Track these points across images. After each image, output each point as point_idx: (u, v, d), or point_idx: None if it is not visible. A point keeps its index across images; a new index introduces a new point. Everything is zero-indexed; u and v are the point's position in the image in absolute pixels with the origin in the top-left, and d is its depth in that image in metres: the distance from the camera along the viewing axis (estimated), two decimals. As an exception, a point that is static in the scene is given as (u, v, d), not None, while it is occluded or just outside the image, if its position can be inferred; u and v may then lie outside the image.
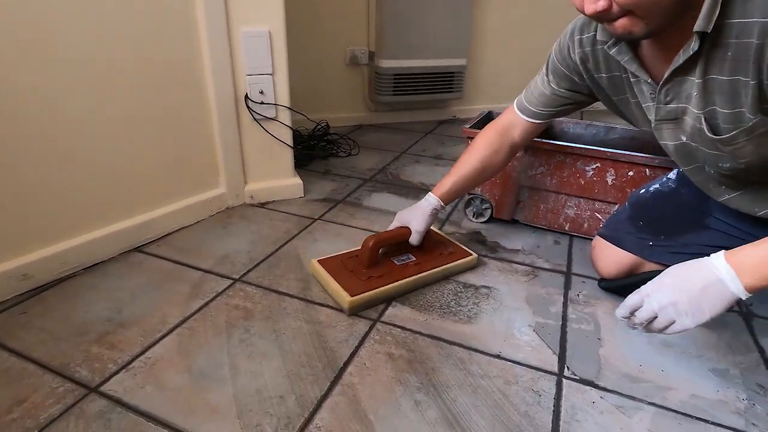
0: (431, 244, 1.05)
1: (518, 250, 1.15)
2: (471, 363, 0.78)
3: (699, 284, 0.61)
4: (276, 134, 1.32)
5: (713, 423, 0.68)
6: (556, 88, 0.89)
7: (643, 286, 0.67)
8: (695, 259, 0.64)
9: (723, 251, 0.61)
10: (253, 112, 1.26)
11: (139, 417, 0.66)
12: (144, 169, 1.10)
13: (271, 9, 1.19)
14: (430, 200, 1.00)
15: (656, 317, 0.65)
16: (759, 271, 0.58)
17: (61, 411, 0.67)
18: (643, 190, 0.97)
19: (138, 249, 1.10)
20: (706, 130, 0.67)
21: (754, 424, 0.68)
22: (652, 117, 0.75)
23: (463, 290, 0.98)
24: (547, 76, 0.90)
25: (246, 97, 1.24)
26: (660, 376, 0.76)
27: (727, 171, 0.72)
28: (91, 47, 0.94)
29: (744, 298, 0.58)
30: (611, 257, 0.96)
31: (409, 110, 2.32)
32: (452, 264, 1.02)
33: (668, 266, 0.88)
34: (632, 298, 0.67)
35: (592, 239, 1.18)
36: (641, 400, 0.72)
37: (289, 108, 1.31)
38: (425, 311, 0.91)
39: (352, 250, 1.03)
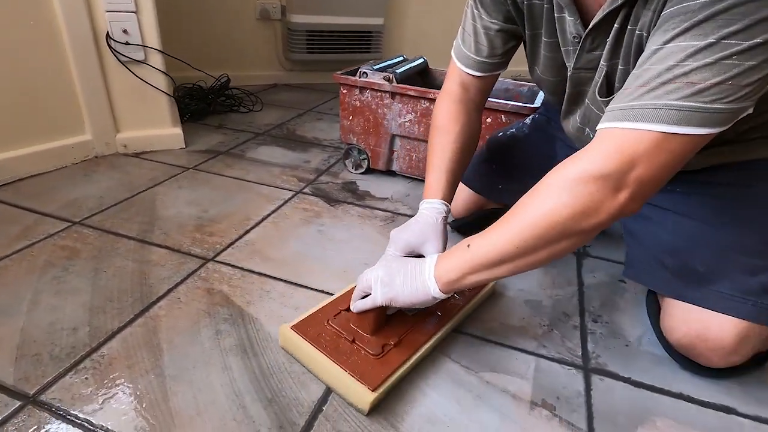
0: None
1: (386, 198, 1.15)
2: (290, 298, 0.78)
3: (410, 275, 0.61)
4: (147, 79, 1.25)
5: (507, 345, 0.71)
6: (489, 21, 0.70)
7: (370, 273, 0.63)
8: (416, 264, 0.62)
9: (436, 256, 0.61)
10: (116, 53, 1.18)
11: None
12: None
13: (128, -61, 1.12)
14: (438, 207, 0.73)
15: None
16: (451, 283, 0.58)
17: None
18: (501, 134, 0.98)
19: (-23, 193, 1.03)
20: (599, 86, 0.60)
21: (544, 345, 0.71)
22: (570, 64, 0.63)
23: (317, 234, 0.97)
24: (477, 9, 0.70)
25: (108, 36, 1.17)
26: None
27: None
28: None
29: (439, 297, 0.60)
30: (460, 198, 0.97)
31: (326, 71, 2.26)
32: (476, 299, 0.77)
33: (504, 206, 0.91)
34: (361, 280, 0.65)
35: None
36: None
37: (160, 51, 1.24)
38: (273, 258, 0.89)
39: (330, 300, 0.72)
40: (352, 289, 0.68)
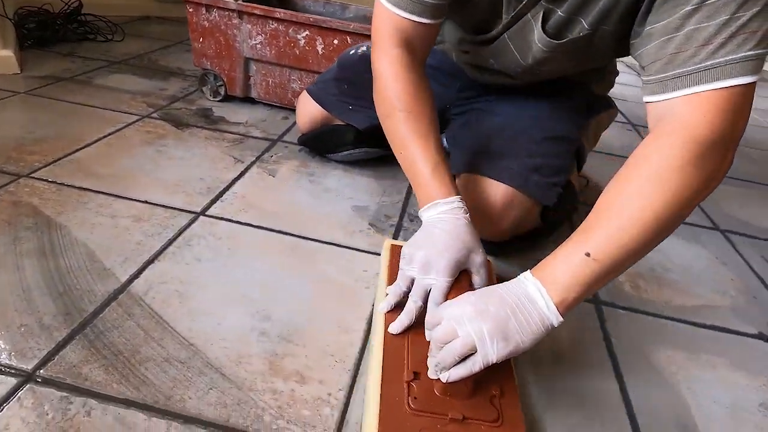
0: None
1: (241, 123, 1.14)
2: (108, 207, 0.76)
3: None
4: (-40, -11, 1.10)
5: (315, 239, 0.76)
6: None
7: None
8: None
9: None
10: None
11: None
12: None
13: None
14: (460, 205, 0.59)
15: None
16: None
17: None
18: (352, 51, 0.98)
19: None
20: (536, 29, 0.62)
21: (355, 232, 0.78)
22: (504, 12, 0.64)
23: (154, 153, 0.94)
24: None
25: None
26: (300, 211, 0.82)
27: (516, 76, 0.74)
28: None
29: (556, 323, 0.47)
30: (311, 112, 0.96)
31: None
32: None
33: (360, 128, 0.94)
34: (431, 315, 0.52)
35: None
36: (263, 228, 0.77)
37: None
38: (100, 174, 0.86)
39: (374, 382, 0.50)
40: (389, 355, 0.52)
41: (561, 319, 0.46)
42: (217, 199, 0.82)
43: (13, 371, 0.49)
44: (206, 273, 0.66)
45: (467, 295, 0.49)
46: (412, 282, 0.56)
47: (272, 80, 1.18)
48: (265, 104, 1.25)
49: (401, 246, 0.61)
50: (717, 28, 0.45)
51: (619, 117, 1.64)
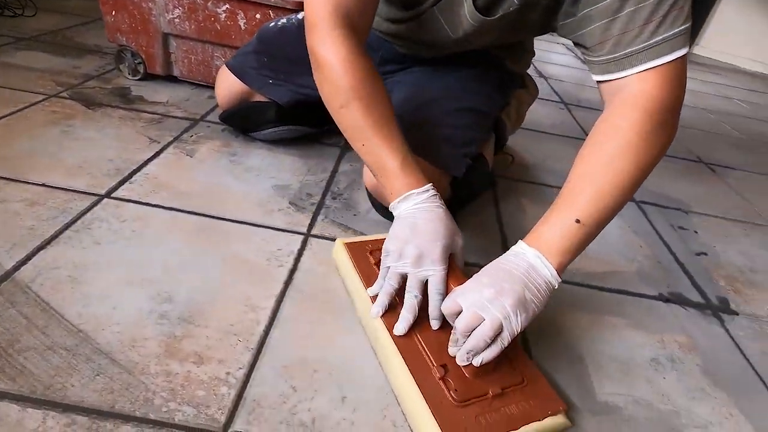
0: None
1: (161, 102, 1.08)
2: (1, 191, 0.71)
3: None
4: None
5: (230, 219, 0.74)
6: None
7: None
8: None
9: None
10: None
11: None
12: None
13: None
14: (434, 191, 0.59)
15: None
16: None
17: None
18: (272, 24, 0.94)
19: None
20: (466, 4, 0.62)
21: (274, 211, 0.76)
22: None
23: (59, 134, 0.88)
24: None
25: None
26: (218, 191, 0.79)
27: (446, 47, 0.73)
28: None
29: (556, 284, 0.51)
30: (230, 87, 0.93)
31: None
32: None
33: (282, 103, 0.91)
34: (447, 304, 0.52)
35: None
36: (174, 209, 0.73)
37: None
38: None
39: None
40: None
41: (560, 280, 0.51)
42: (126, 181, 0.78)
43: None
44: (105, 256, 0.62)
45: (477, 279, 0.50)
46: (403, 278, 0.55)
47: (195, 57, 1.12)
48: (189, 83, 1.19)
49: (362, 243, 0.63)
50: (653, 8, 0.51)
51: (552, 96, 1.69)
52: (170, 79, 1.18)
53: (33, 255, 0.60)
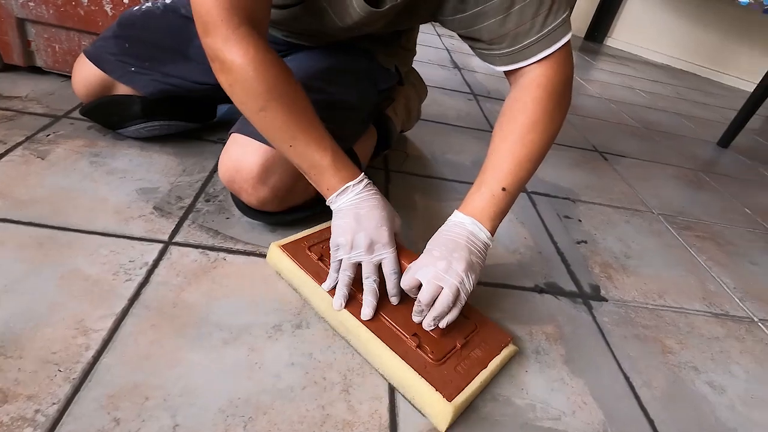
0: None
1: (18, 97, 0.96)
2: None
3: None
4: None
5: (76, 229, 0.67)
6: None
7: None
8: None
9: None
10: None
11: None
12: None
13: None
14: (365, 181, 0.62)
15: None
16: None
17: None
18: (136, 8, 0.85)
19: None
20: None
21: (133, 218, 0.70)
22: None
23: None
24: None
25: None
26: (67, 198, 0.71)
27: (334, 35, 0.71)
28: None
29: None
30: (88, 77, 0.84)
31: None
32: None
33: (144, 95, 0.83)
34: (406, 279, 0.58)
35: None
36: (5, 219, 0.65)
37: None
38: None
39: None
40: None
41: (493, 239, 0.61)
42: (-47, 189, 0.68)
43: None
44: None
45: (429, 254, 0.58)
46: (358, 266, 0.60)
47: (59, 46, 1.01)
48: (57, 74, 1.07)
49: (296, 242, 0.67)
50: (539, 2, 0.58)
51: (462, 87, 1.70)
52: (34, 70, 1.06)
53: None
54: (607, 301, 0.78)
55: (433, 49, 2.17)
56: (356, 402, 0.52)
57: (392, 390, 0.55)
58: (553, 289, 0.77)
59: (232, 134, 0.70)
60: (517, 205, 0.99)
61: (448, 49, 2.22)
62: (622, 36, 3.61)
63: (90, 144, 0.86)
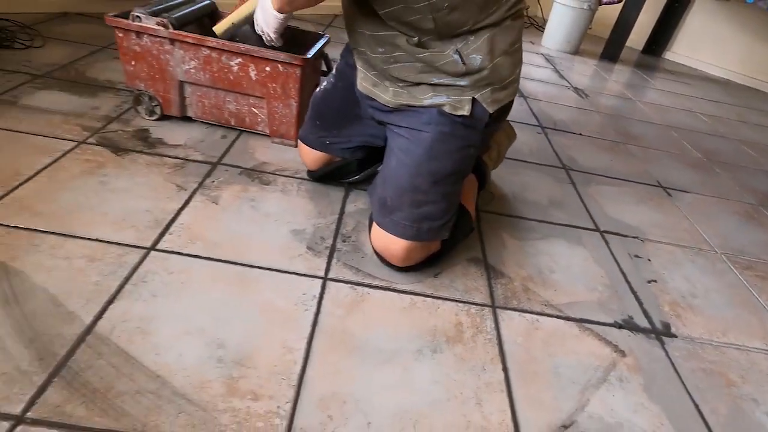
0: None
1: (180, 145, 1.19)
2: (61, 248, 0.82)
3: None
4: None
5: (259, 266, 0.87)
6: None
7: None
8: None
9: None
10: None
11: None
12: None
13: None
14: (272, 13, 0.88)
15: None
16: None
17: None
18: (318, 90, 1.08)
19: None
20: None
21: (295, 257, 0.90)
22: None
23: (97, 185, 0.99)
24: None
25: None
26: (244, 239, 0.92)
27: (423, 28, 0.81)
28: None
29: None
30: (307, 155, 1.09)
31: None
32: None
33: (345, 159, 1.08)
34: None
35: (256, 133, 1.30)
36: (211, 259, 0.87)
37: None
38: (43, 212, 0.90)
39: None
40: None
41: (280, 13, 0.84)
42: (165, 232, 0.90)
43: (3, 416, 0.57)
44: (163, 308, 0.75)
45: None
46: None
47: (208, 101, 1.23)
48: (202, 123, 1.30)
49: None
50: None
51: (530, 119, 1.84)
52: (185, 119, 1.29)
53: (105, 309, 0.73)
54: (677, 337, 0.92)
55: (497, 74, 2.31)
56: (488, 413, 0.70)
57: (512, 403, 0.72)
58: (630, 326, 0.92)
59: (374, 222, 0.92)
60: (592, 245, 1.14)
61: (510, 74, 2.35)
62: (681, 50, 3.59)
63: (244, 189, 1.08)
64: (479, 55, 0.80)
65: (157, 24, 1.10)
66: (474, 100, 0.83)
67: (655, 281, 1.06)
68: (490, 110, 0.85)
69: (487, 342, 0.82)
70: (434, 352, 0.78)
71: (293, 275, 0.87)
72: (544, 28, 3.22)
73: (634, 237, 1.21)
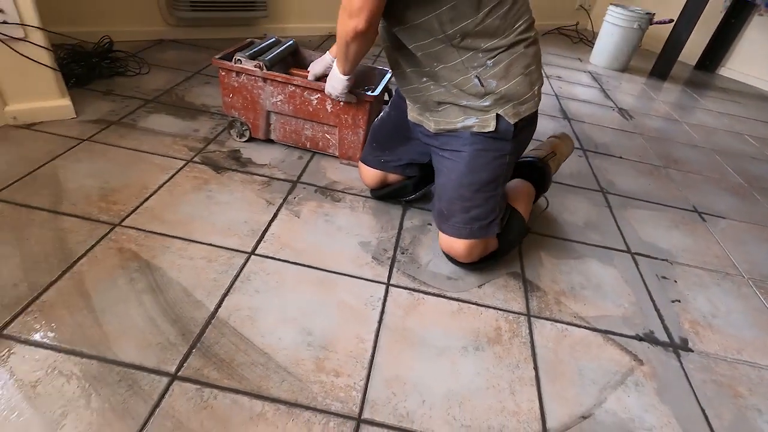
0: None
1: (265, 164, 1.42)
2: (186, 250, 1.06)
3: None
4: (30, 54, 1.33)
5: (335, 272, 1.07)
6: None
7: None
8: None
9: None
10: (-5, 33, 1.26)
11: None
12: None
13: None
14: (328, 59, 1.31)
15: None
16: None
17: None
18: (376, 119, 1.30)
19: None
20: None
21: (363, 265, 1.09)
22: None
23: (205, 198, 1.23)
24: None
25: (-16, 16, 1.23)
26: (321, 248, 1.13)
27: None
28: None
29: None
30: (366, 173, 1.30)
31: (215, 26, 2.34)
32: None
33: (403, 177, 1.28)
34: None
35: (327, 155, 1.51)
36: (298, 263, 1.08)
37: (41, 29, 1.32)
38: (169, 220, 1.14)
39: None
40: None
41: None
42: (261, 240, 1.12)
43: (163, 373, 0.80)
44: (264, 302, 0.97)
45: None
46: None
47: (289, 127, 1.46)
48: (282, 145, 1.52)
49: None
50: None
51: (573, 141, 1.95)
52: (268, 141, 1.52)
53: (222, 300, 0.95)
54: (693, 351, 1.04)
55: (543, 95, 2.42)
56: (519, 401, 0.87)
57: (540, 395, 0.88)
58: (650, 339, 1.05)
59: (439, 231, 1.12)
60: (622, 265, 1.27)
61: (557, 95, 2.46)
62: (736, 66, 3.54)
63: (320, 205, 1.29)
64: (495, 79, 0.99)
65: (254, 66, 1.33)
66: (498, 116, 1.01)
67: (678, 301, 1.18)
68: (513, 122, 1.01)
69: (521, 344, 0.98)
70: (477, 350, 0.95)
71: (362, 280, 1.07)
72: (593, 43, 3.28)
73: (663, 259, 1.33)
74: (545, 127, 2.02)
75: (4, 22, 1.26)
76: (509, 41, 0.96)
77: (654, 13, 3.03)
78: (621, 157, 1.89)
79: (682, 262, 1.33)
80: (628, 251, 1.33)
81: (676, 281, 1.25)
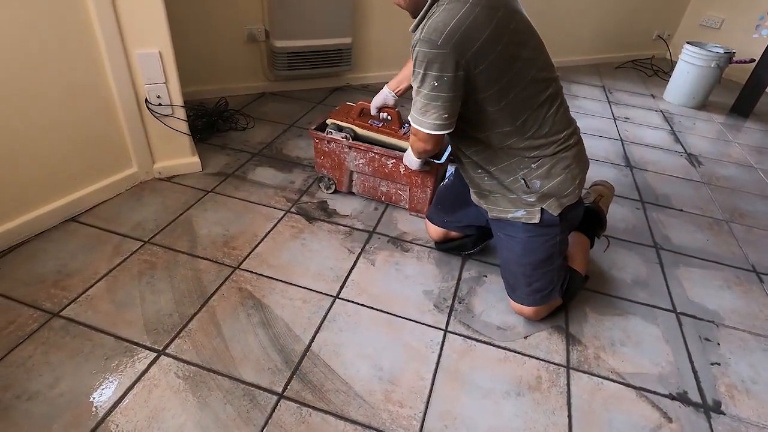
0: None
1: (347, 215, 1.70)
2: (286, 292, 1.34)
3: None
4: (174, 126, 1.73)
5: (402, 316, 1.30)
6: None
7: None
8: None
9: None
10: (153, 112, 1.65)
11: (86, 329, 1.18)
12: (69, 161, 1.51)
13: (158, 34, 1.55)
14: (385, 92, 1.57)
15: None
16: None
17: (37, 327, 1.17)
18: (442, 185, 1.54)
19: (72, 219, 1.54)
20: None
21: (425, 311, 1.31)
22: None
23: (300, 246, 1.52)
24: None
25: (146, 101, 1.63)
26: (391, 294, 1.37)
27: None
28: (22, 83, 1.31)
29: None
30: (431, 229, 1.53)
31: (306, 79, 2.70)
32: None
33: (462, 234, 1.51)
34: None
35: (400, 207, 1.75)
36: (372, 308, 1.32)
37: (182, 107, 1.71)
38: (274, 265, 1.45)
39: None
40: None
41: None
42: (344, 285, 1.39)
43: (273, 392, 1.07)
44: (346, 339, 1.22)
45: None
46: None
47: (368, 184, 1.73)
48: (362, 197, 1.80)
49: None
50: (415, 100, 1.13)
51: (632, 192, 2.03)
52: (349, 194, 1.80)
53: (315, 336, 1.22)
54: (725, 414, 1.14)
55: (608, 140, 2.49)
56: (551, 443, 1.04)
57: (569, 441, 1.04)
58: (682, 399, 1.16)
59: (509, 298, 1.33)
60: (665, 325, 1.37)
61: (622, 140, 2.51)
62: (836, 100, 3.30)
63: (391, 255, 1.53)
64: (539, 180, 1.17)
65: (342, 137, 1.62)
66: (542, 209, 1.19)
67: (718, 364, 1.27)
68: (555, 213, 1.18)
69: (558, 393, 1.15)
70: (518, 395, 1.13)
71: (424, 326, 1.29)
72: (670, 75, 3.22)
73: (709, 321, 1.40)
74: (605, 175, 2.11)
75: (160, 104, 1.66)
76: (552, 150, 1.15)
77: (734, 52, 2.95)
78: (681, 210, 1.94)
79: (729, 325, 1.40)
80: (674, 311, 1.43)
81: (719, 344, 1.33)
